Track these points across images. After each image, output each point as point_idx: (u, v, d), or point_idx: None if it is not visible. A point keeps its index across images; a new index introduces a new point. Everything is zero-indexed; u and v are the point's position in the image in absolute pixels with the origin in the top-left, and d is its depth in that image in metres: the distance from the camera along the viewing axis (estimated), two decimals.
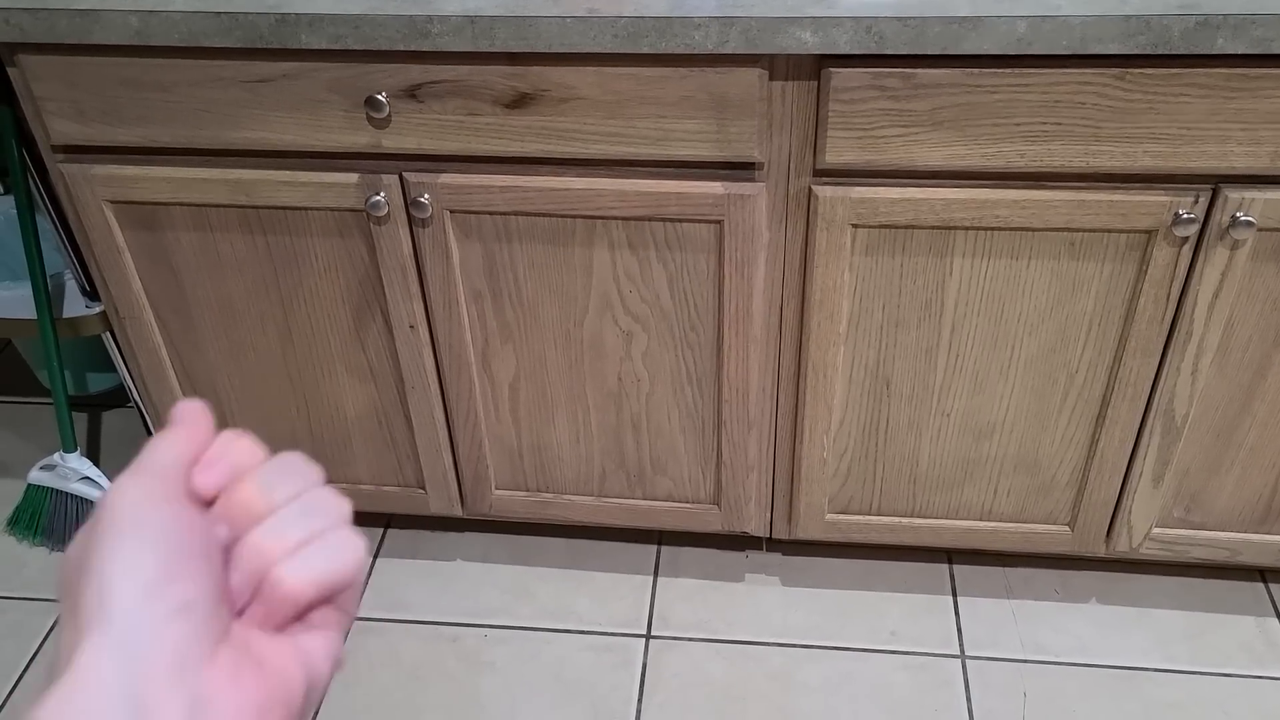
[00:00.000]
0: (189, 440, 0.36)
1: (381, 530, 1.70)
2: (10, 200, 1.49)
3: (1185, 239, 1.18)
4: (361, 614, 1.57)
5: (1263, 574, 1.57)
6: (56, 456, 1.62)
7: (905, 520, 1.48)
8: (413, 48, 1.12)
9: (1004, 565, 1.60)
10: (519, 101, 1.17)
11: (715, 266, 1.27)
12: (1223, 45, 1.04)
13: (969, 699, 1.43)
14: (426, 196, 1.24)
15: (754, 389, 1.37)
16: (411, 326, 1.37)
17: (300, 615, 0.35)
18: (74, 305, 1.55)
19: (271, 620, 0.35)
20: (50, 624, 1.57)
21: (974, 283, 1.25)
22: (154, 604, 0.31)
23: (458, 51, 1.14)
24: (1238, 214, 1.14)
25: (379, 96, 1.17)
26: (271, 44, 1.14)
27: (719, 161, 1.20)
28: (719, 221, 1.23)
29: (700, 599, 1.58)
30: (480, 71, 1.15)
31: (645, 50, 1.10)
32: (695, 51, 1.10)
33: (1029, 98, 1.10)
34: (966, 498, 1.45)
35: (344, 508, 0.37)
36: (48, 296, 1.51)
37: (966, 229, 1.21)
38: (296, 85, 1.18)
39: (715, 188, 1.20)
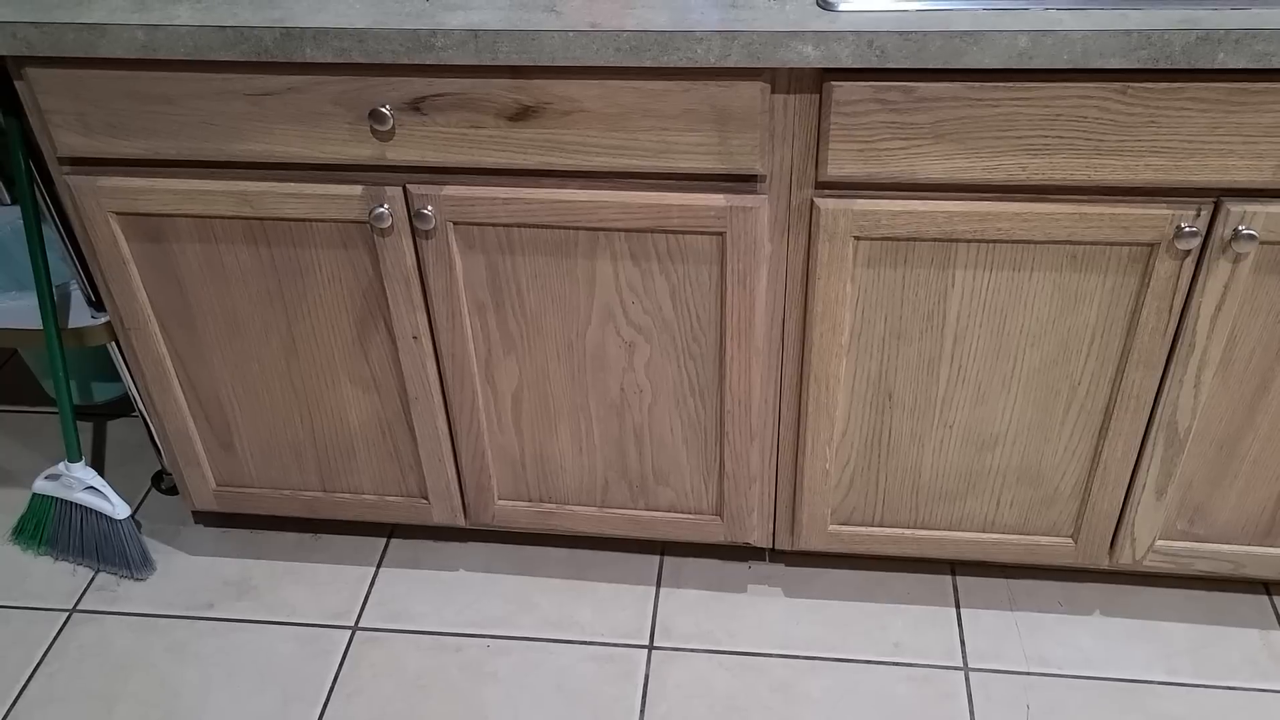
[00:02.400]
0: None
1: (384, 541, 1.71)
2: (17, 211, 1.49)
3: (1187, 252, 1.18)
4: (364, 624, 1.57)
5: (1267, 587, 1.57)
6: (61, 466, 1.63)
7: (908, 531, 1.48)
8: (416, 61, 1.13)
9: (1007, 577, 1.60)
10: (522, 114, 1.17)
11: (717, 278, 1.27)
12: (1224, 60, 1.04)
13: (972, 711, 1.42)
14: (430, 208, 1.25)
15: (756, 400, 1.37)
16: (415, 337, 1.38)
17: None
18: (79, 315, 1.55)
19: None
20: (55, 633, 1.57)
21: (976, 295, 1.25)
22: None
23: (461, 65, 1.14)
24: (1240, 227, 1.15)
25: (383, 109, 1.18)
26: (276, 57, 1.14)
27: (721, 174, 1.20)
28: (721, 233, 1.23)
29: (703, 610, 1.58)
30: (483, 84, 1.16)
31: (648, 64, 1.10)
32: (697, 65, 1.10)
33: (1030, 111, 1.10)
34: (969, 509, 1.45)
35: None
36: (53, 307, 1.52)
37: (968, 241, 1.21)
38: (301, 98, 1.19)
39: (717, 200, 1.21)
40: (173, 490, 1.80)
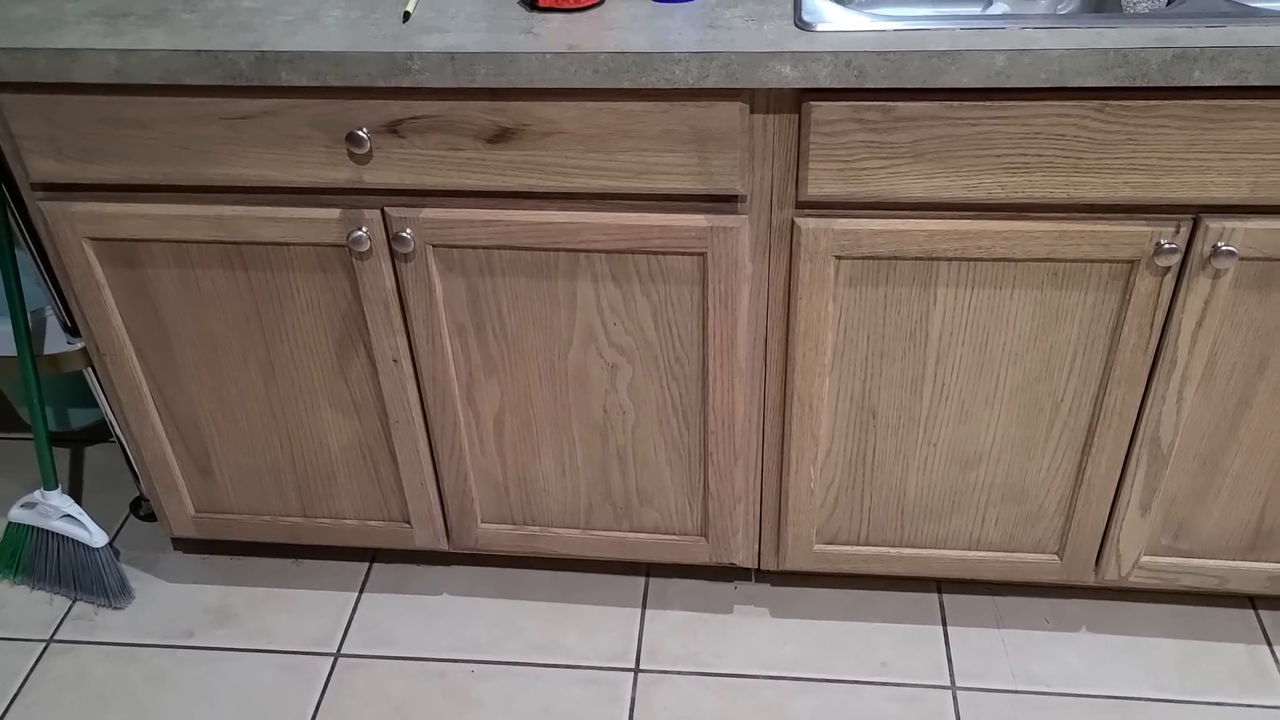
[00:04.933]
0: None
1: (367, 565, 1.69)
2: None
3: (1167, 269, 1.18)
4: (347, 651, 1.56)
5: (1252, 601, 1.57)
6: (37, 494, 1.61)
7: (893, 550, 1.48)
8: (393, 84, 1.12)
9: (993, 594, 1.59)
10: (500, 136, 1.17)
11: (699, 298, 1.27)
12: (1200, 77, 1.04)
13: None
14: (409, 231, 1.24)
15: (740, 420, 1.36)
16: (395, 361, 1.36)
17: None
18: (55, 341, 1.53)
19: None
20: (32, 663, 1.55)
21: (958, 313, 1.25)
22: None
23: (438, 87, 1.14)
24: (1219, 244, 1.15)
25: (360, 132, 1.17)
26: (252, 81, 1.14)
27: (701, 194, 1.20)
28: (702, 254, 1.23)
29: (689, 631, 1.57)
30: (461, 107, 1.15)
31: (626, 85, 1.10)
32: (676, 86, 1.10)
33: (1009, 130, 1.10)
34: (954, 527, 1.45)
35: None
36: (28, 333, 1.50)
37: (950, 260, 1.21)
38: (277, 122, 1.18)
39: (698, 220, 1.20)
40: (151, 517, 1.78)
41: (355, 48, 1.11)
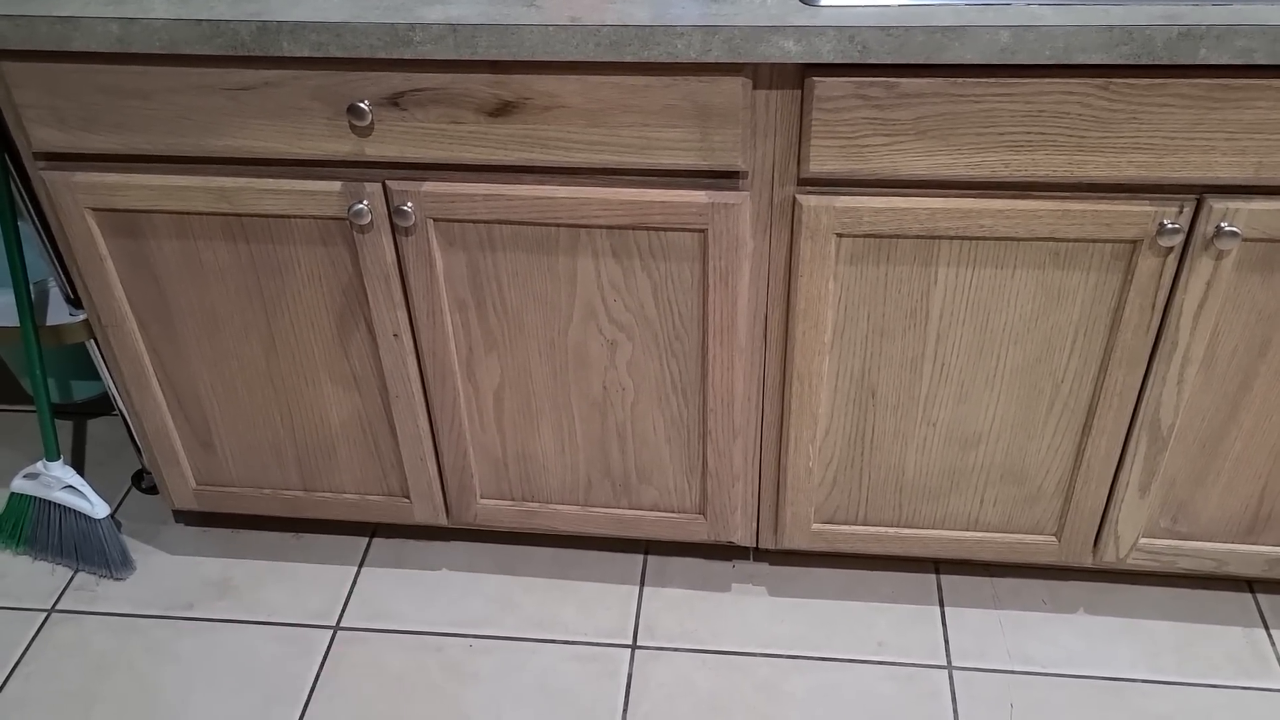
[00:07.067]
0: None
1: (366, 540, 1.70)
2: None
3: (1170, 249, 1.17)
4: (346, 624, 1.56)
5: (1250, 584, 1.57)
6: (39, 465, 1.61)
7: (892, 530, 1.48)
8: (395, 55, 1.12)
9: (991, 575, 1.60)
10: (502, 110, 1.16)
11: (699, 275, 1.27)
12: (1206, 55, 1.04)
13: (955, 710, 1.42)
14: (410, 205, 1.24)
15: (739, 398, 1.36)
16: (395, 335, 1.37)
17: None
18: (57, 313, 1.54)
19: None
20: (33, 633, 1.56)
21: (959, 292, 1.24)
22: None
23: (440, 59, 1.13)
24: (1222, 224, 1.14)
25: (361, 104, 1.17)
26: (253, 51, 1.13)
27: (703, 170, 1.19)
28: (703, 230, 1.23)
29: (686, 609, 1.57)
30: (463, 80, 1.15)
31: (628, 59, 1.10)
32: (678, 60, 1.09)
33: (1013, 107, 1.10)
34: (953, 507, 1.45)
35: None
36: (31, 304, 1.50)
37: (951, 238, 1.20)
38: (278, 93, 1.18)
39: (699, 196, 1.20)
40: (153, 489, 1.78)
41: (357, 18, 1.11)
